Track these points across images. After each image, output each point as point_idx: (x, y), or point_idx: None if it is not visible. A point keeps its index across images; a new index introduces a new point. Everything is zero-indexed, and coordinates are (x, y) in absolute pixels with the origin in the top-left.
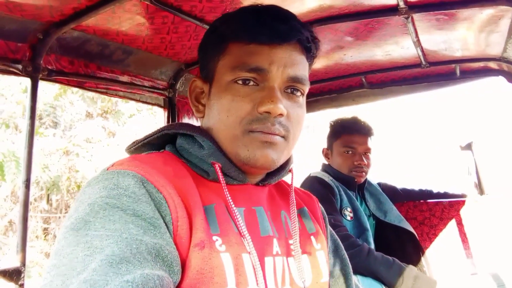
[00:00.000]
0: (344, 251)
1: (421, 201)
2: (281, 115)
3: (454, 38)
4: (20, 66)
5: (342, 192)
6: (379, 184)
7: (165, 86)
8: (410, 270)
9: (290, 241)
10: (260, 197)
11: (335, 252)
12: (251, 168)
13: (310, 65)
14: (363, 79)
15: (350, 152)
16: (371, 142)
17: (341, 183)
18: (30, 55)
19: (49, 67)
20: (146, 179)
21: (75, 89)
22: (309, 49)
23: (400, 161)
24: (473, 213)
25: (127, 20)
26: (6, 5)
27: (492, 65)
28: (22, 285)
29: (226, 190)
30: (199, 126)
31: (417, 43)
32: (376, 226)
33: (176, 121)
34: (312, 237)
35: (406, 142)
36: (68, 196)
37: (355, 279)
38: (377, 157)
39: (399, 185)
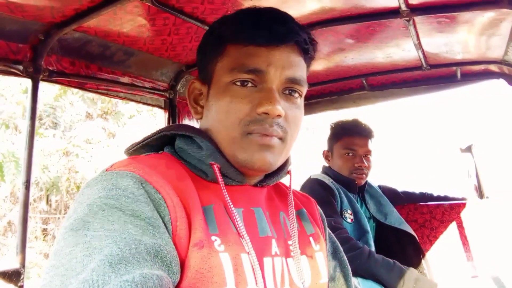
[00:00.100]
0: (343, 253)
1: (422, 203)
2: (279, 116)
3: (455, 41)
4: (21, 67)
5: (343, 194)
6: (379, 186)
7: (166, 87)
8: (411, 272)
9: (289, 242)
10: (258, 198)
11: (334, 254)
12: (249, 170)
13: (308, 66)
14: (364, 81)
15: (351, 154)
16: (372, 144)
17: (342, 185)
18: (31, 56)
19: (50, 68)
20: (145, 179)
21: (75, 90)
22: (307, 51)
23: (400, 163)
24: (473, 215)
25: (129, 21)
26: (7, 6)
27: (493, 68)
28: (21, 286)
29: (225, 190)
30: (197, 128)
31: (418, 45)
32: (377, 229)
33: (177, 123)
34: (310, 238)
35: (407, 144)
36: (67, 197)
37: (356, 281)
38: (377, 160)
39: (399, 188)
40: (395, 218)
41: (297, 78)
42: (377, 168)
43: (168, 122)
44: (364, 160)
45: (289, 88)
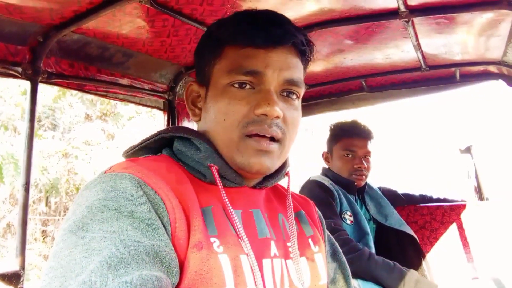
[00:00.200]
0: (343, 255)
1: (422, 205)
2: (277, 117)
3: (454, 42)
4: (20, 69)
5: (342, 196)
6: (379, 188)
7: (165, 89)
8: (411, 274)
9: (288, 244)
10: (257, 200)
11: (334, 256)
12: (247, 173)
13: (305, 68)
14: (363, 83)
15: (350, 156)
16: (371, 145)
17: (341, 187)
18: (30, 58)
19: (49, 70)
20: (144, 181)
21: (74, 92)
22: (304, 53)
23: (400, 164)
24: (474, 217)
25: (128, 23)
26: (6, 8)
27: (492, 68)
28: None
29: (224, 192)
30: (196, 130)
31: (417, 46)
32: (377, 230)
33: (176, 124)
34: (309, 240)
35: (406, 145)
36: (67, 198)
37: (356, 283)
38: (377, 161)
39: (399, 190)
40: (396, 220)
41: (294, 80)
42: (376, 169)
43: (168, 124)
44: (364, 161)
45: (286, 90)
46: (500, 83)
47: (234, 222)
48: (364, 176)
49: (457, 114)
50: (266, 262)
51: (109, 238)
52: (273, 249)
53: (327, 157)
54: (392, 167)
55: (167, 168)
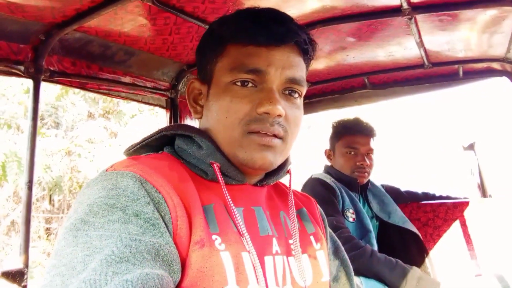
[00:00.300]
0: (345, 252)
1: (425, 202)
2: (279, 116)
3: (457, 39)
4: (22, 68)
5: (344, 194)
6: (382, 185)
7: (167, 87)
8: (414, 271)
9: (290, 241)
10: (258, 197)
11: (336, 253)
12: (249, 169)
13: (307, 67)
14: (366, 80)
15: (353, 153)
16: (374, 142)
17: (343, 184)
18: (32, 56)
19: (51, 68)
20: (145, 179)
21: (77, 90)
22: (306, 51)
23: (403, 161)
24: (477, 214)
25: (129, 21)
26: (8, 7)
27: (496, 65)
28: (25, 286)
29: (225, 189)
30: (197, 127)
31: (420, 43)
32: (380, 227)
33: (178, 122)
34: (311, 237)
35: (409, 142)
36: (70, 196)
37: (358, 280)
38: (379, 158)
39: (402, 187)
40: (399, 217)
41: (297, 78)
42: (379, 166)
43: (170, 122)
44: (366, 159)
45: (289, 88)
46: (504, 80)
47: (235, 219)
48: (366, 174)
49: (460, 111)
50: (268, 259)
51: (111, 236)
52: (275, 247)
53: (329, 154)
54: (395, 164)
55: (169, 166)
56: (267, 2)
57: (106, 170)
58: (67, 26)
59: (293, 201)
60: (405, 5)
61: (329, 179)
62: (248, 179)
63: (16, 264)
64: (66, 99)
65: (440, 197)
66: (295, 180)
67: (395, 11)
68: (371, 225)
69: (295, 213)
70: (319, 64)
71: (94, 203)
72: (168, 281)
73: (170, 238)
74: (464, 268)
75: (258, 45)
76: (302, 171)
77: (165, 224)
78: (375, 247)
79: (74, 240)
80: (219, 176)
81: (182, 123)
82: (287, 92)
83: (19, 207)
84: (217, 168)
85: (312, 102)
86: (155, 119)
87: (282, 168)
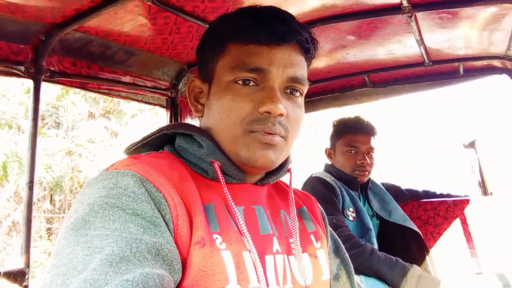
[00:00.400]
0: (345, 251)
1: (425, 200)
2: (281, 115)
3: (457, 37)
4: (22, 68)
5: (344, 192)
6: (382, 184)
7: (168, 86)
8: (414, 269)
9: (290, 240)
10: (259, 196)
11: (336, 252)
12: (251, 168)
13: (308, 65)
14: (366, 78)
15: (353, 152)
16: (374, 141)
17: (344, 183)
18: (32, 57)
19: (52, 69)
20: (146, 178)
21: (77, 90)
22: (308, 50)
23: (403, 160)
24: (477, 212)
25: (129, 21)
26: (8, 7)
27: (496, 63)
28: (26, 286)
29: (226, 188)
30: (198, 126)
31: (420, 41)
32: (380, 226)
33: (179, 121)
34: (312, 236)
35: (410, 140)
36: (71, 196)
37: (358, 279)
38: (380, 156)
39: (403, 186)
40: (399, 215)
41: (298, 77)
42: (379, 165)
43: (170, 121)
44: (367, 157)
45: (290, 87)
46: (504, 77)
47: (236, 218)
48: (367, 172)
49: (460, 109)
50: (268, 258)
51: (111, 236)
52: (275, 245)
53: (330, 153)
54: (395, 163)
55: (169, 165)
56: (267, 0)
57: (107, 169)
58: (67, 26)
59: (294, 200)
60: (405, 3)
61: (329, 178)
62: (248, 178)
63: (17, 264)
64: (66, 99)
65: (441, 195)
66: (296, 178)
67: (395, 9)
68: (372, 224)
69: (295, 212)
70: (320, 62)
71: (94, 202)
72: (169, 280)
73: (170, 237)
74: (464, 266)
75: (260, 43)
76: (303, 169)
77: (166, 223)
78: (375, 246)
79: (75, 240)
80: (220, 175)
81: (182, 122)
82: (288, 91)
83: (20, 207)
84: (217, 167)
85: (313, 100)
86: (156, 118)
87: (282, 167)
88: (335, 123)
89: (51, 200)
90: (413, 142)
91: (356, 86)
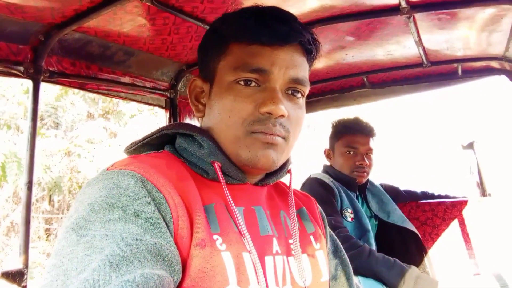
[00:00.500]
0: (344, 252)
1: (424, 201)
2: (282, 116)
3: (456, 38)
4: (21, 68)
5: (343, 193)
6: (381, 185)
7: (167, 87)
8: (412, 270)
9: (290, 241)
10: (259, 197)
11: (335, 252)
12: (252, 168)
13: (310, 66)
14: (365, 79)
15: (352, 152)
16: (373, 142)
17: (342, 184)
18: (31, 57)
19: (51, 69)
20: (146, 178)
21: (76, 90)
22: (310, 51)
23: (402, 161)
24: (475, 213)
25: (128, 21)
26: (7, 7)
27: (494, 64)
28: (25, 286)
29: (226, 189)
30: (198, 126)
31: (419, 42)
32: (379, 227)
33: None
34: (311, 237)
35: (408, 142)
36: (70, 196)
37: (356, 280)
38: (379, 158)
39: (401, 187)
40: (398, 216)
41: (300, 78)
42: (378, 166)
43: (169, 121)
44: (366, 158)
45: (292, 88)
46: (502, 78)
47: (236, 219)
48: (365, 173)
49: (459, 110)
50: (268, 259)
51: (111, 236)
52: (275, 246)
53: (329, 154)
54: (394, 164)
55: (170, 165)
56: (266, 1)
57: (107, 169)
58: (67, 27)
59: (293, 201)
60: (403, 4)
61: (327, 179)
62: (249, 179)
63: (16, 264)
64: (65, 99)
65: (439, 197)
66: (294, 179)
67: (394, 10)
68: (370, 225)
69: (295, 213)
70: (318, 63)
71: (95, 202)
72: (169, 281)
73: (171, 238)
74: (462, 267)
75: (262, 44)
76: (302, 170)
77: (166, 224)
78: (374, 247)
79: (75, 240)
80: (220, 176)
81: (180, 122)
82: (289, 92)
83: (18, 207)
84: (218, 167)
85: (312, 101)
86: (155, 119)
87: (282, 167)
88: (334, 124)
89: (50, 201)
90: (412, 143)
91: (355, 87)
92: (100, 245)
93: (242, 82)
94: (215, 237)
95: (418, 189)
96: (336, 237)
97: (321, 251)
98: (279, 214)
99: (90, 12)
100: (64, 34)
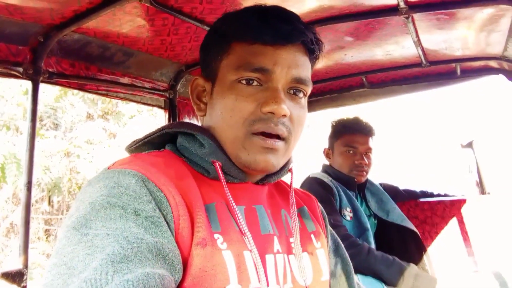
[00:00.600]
0: (345, 250)
1: (423, 200)
2: (284, 116)
3: (454, 38)
4: (21, 69)
5: (342, 192)
6: (380, 184)
7: (166, 87)
8: (411, 268)
9: (291, 239)
10: (260, 196)
11: (336, 251)
12: (251, 170)
13: (312, 66)
14: (364, 79)
15: (351, 152)
16: (372, 142)
17: (341, 183)
18: (31, 58)
19: (50, 70)
20: (147, 177)
21: (76, 91)
22: (313, 51)
23: (401, 160)
24: (474, 211)
25: (128, 22)
26: (7, 8)
27: (493, 64)
28: (24, 287)
29: (227, 188)
30: (199, 125)
31: (418, 42)
32: (378, 226)
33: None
34: (312, 235)
35: (407, 141)
36: (69, 197)
37: (356, 278)
38: (378, 157)
39: (400, 186)
40: (397, 215)
41: (302, 78)
42: (377, 166)
43: (169, 122)
44: (365, 158)
45: (294, 88)
46: (501, 77)
47: (237, 218)
48: (364, 172)
49: (458, 109)
50: (269, 258)
51: (112, 235)
52: (276, 245)
53: (328, 153)
54: (393, 163)
55: (170, 164)
56: (266, 1)
57: (108, 168)
58: (66, 28)
59: (294, 200)
60: (402, 4)
61: (326, 178)
62: (249, 178)
63: (15, 265)
64: (65, 100)
65: (438, 195)
66: (296, 178)
67: (392, 10)
68: (369, 224)
69: (296, 212)
70: (318, 63)
71: (95, 201)
72: (170, 280)
73: (171, 237)
74: (461, 265)
75: (264, 43)
76: (301, 170)
77: (167, 223)
78: (373, 246)
79: (76, 239)
80: (221, 175)
81: (181, 121)
82: (292, 91)
83: (18, 208)
84: (218, 167)
85: (311, 101)
86: (154, 119)
87: (284, 167)
88: (334, 124)
89: (49, 202)
90: (411, 142)
91: (354, 86)
92: (101, 244)
93: (244, 81)
94: (216, 236)
95: (417, 188)
96: (337, 236)
97: (322, 249)
98: (280, 212)
99: (89, 13)
100: (63, 35)
